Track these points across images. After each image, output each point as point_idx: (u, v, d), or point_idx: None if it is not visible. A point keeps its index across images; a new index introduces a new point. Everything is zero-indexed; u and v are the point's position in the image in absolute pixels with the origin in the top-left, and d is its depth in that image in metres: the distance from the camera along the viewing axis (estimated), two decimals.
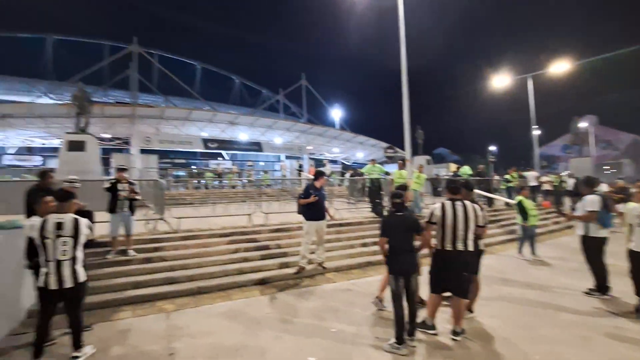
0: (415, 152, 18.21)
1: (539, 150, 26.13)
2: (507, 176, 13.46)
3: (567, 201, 13.50)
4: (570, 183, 13.61)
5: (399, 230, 3.61)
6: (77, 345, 3.37)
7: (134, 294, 4.92)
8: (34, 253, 3.37)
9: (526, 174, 13.78)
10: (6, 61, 35.92)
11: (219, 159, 33.01)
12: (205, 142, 28.64)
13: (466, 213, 3.64)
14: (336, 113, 40.26)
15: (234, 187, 20.26)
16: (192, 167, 31.06)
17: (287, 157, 33.34)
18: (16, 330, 3.98)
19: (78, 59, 35.47)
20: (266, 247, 6.73)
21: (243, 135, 30.10)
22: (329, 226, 7.92)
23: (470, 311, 4.29)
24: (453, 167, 23.32)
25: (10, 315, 4.01)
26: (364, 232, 8.05)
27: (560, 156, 46.58)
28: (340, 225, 8.21)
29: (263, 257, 6.38)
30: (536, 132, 24.66)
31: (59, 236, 3.25)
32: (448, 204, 3.72)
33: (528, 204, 7.21)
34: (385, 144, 33.64)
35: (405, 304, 3.56)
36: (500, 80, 22.67)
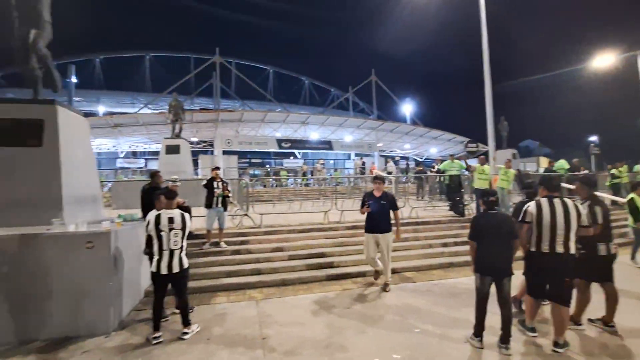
0: (499, 146, 16.71)
1: None
2: (613, 171, 11.60)
3: None
4: None
5: (491, 231, 3.41)
6: (186, 322, 3.86)
7: (227, 282, 5.44)
8: (151, 242, 3.94)
9: None
10: (114, 78, 42.89)
11: (291, 157, 34.46)
12: (279, 142, 30.08)
13: (566, 211, 3.29)
14: (407, 108, 38.91)
15: (307, 184, 21.01)
16: (267, 166, 32.96)
17: (357, 155, 33.27)
18: (138, 307, 4.71)
19: (170, 72, 40.53)
20: (343, 244, 6.85)
21: (314, 134, 30.87)
22: (405, 224, 7.76)
23: (578, 323, 3.83)
24: (545, 161, 20.82)
25: (133, 294, 4.75)
26: (443, 231, 7.70)
27: None
28: (417, 224, 7.97)
29: (341, 254, 6.50)
30: None
31: (171, 229, 3.75)
32: (544, 201, 3.41)
33: None
34: (462, 138, 31.57)
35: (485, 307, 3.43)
36: (602, 60, 19.47)
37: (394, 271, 5.98)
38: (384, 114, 42.27)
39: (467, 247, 6.97)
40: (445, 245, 7.06)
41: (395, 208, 5.27)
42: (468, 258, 6.46)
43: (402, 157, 34.39)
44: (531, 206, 3.44)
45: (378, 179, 5.34)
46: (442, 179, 11.19)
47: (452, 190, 8.97)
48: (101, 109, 36.88)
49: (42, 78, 5.61)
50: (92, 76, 43.48)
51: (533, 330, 3.61)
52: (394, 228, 5.26)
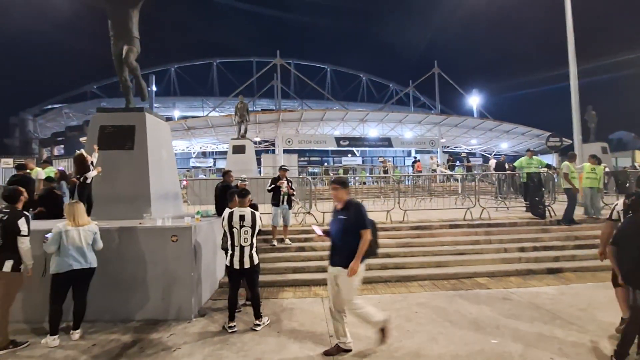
0: (585, 139, 14.80)
1: None
2: None
3: None
4: None
5: (631, 237, 3.04)
6: (258, 315, 4.05)
7: (292, 278, 5.61)
8: (226, 238, 4.20)
9: None
10: (186, 85, 46.98)
11: (349, 155, 34.43)
12: (338, 140, 30.24)
13: None
14: (474, 100, 36.34)
15: (364, 183, 20.78)
16: (325, 164, 33.38)
17: (417, 152, 32.11)
18: (214, 297, 5.08)
19: (235, 76, 43.21)
20: (408, 245, 6.65)
21: (373, 131, 30.45)
22: (476, 226, 7.26)
23: None
24: None
25: (210, 285, 5.13)
26: (520, 234, 7.04)
27: None
28: (489, 225, 7.40)
29: (405, 255, 6.32)
30: None
31: (242, 226, 3.97)
32: None
33: None
34: (538, 131, 28.71)
35: None
36: None
37: (462, 276, 5.65)
38: (448, 108, 40.17)
39: (549, 253, 6.40)
40: (522, 250, 6.46)
41: (363, 226, 3.36)
42: (551, 265, 5.97)
43: (469, 153, 32.32)
44: (619, 204, 3.55)
45: (335, 184, 3.55)
46: (500, 176, 10.35)
47: (531, 189, 8.14)
48: (176, 113, 40.67)
49: (132, 88, 6.35)
50: (168, 84, 48.12)
51: None
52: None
